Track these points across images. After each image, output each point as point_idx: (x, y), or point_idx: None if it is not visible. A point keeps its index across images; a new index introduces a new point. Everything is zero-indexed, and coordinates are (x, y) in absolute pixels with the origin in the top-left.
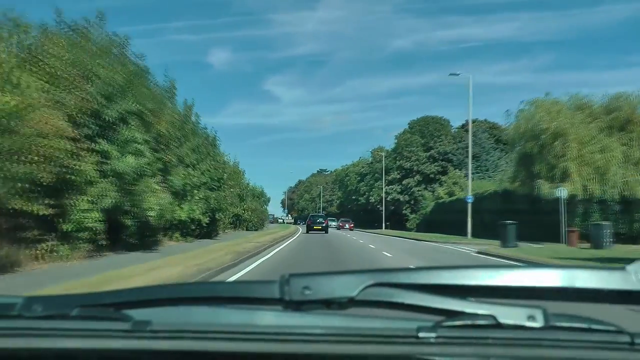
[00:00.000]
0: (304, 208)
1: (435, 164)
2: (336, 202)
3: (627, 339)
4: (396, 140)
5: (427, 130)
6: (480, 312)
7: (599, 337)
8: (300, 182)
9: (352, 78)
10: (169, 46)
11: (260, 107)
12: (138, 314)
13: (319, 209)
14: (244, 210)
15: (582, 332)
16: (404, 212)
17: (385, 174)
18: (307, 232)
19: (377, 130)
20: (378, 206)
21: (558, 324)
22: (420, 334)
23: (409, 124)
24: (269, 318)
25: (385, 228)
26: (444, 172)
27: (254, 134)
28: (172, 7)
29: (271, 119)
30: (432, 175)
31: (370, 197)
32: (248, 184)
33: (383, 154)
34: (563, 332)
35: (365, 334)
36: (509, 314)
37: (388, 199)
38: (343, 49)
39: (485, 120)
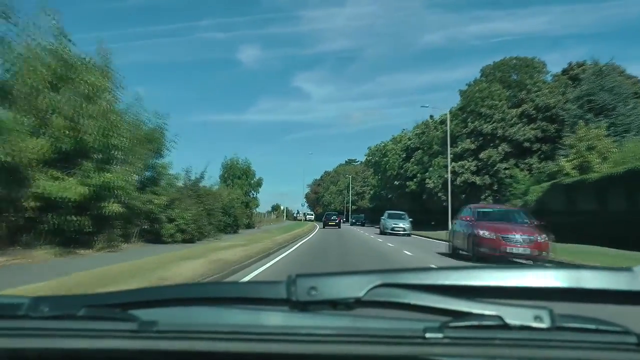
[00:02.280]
0: (330, 202)
1: (532, 125)
2: (369, 193)
3: (633, 339)
4: (462, 97)
5: (510, 78)
6: (486, 312)
7: (606, 338)
8: (326, 173)
9: (382, 74)
10: (198, 44)
11: (291, 104)
12: (145, 314)
13: (347, 202)
14: (103, 185)
15: (588, 332)
16: (482, 202)
17: (450, 145)
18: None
19: (408, 126)
20: (440, 194)
21: (565, 324)
22: (427, 335)
23: (481, 70)
24: (275, 318)
25: None
26: (547, 139)
27: (285, 131)
28: (201, 6)
29: (301, 116)
30: (526, 144)
31: (426, 182)
32: (111, 99)
33: (447, 112)
34: (570, 333)
35: (371, 335)
36: (516, 315)
37: (457, 182)
38: (373, 45)
39: (595, 62)
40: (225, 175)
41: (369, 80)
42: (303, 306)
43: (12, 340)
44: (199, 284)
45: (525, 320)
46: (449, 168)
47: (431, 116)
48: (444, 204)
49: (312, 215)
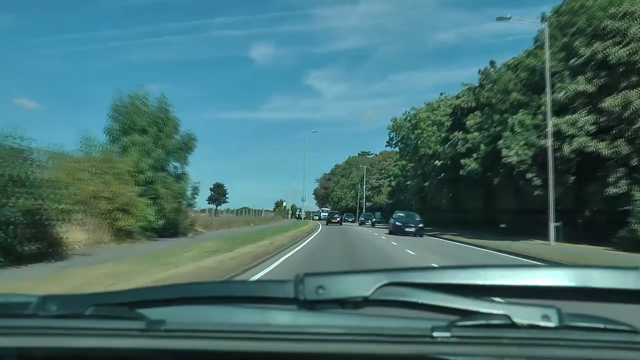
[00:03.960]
0: (341, 198)
1: None
2: (388, 185)
3: None
4: (551, 21)
5: None
6: (494, 311)
7: (614, 337)
8: (336, 166)
9: (395, 72)
10: (212, 42)
11: (303, 102)
12: (152, 313)
13: (361, 198)
14: None
15: (596, 332)
16: (614, 188)
17: (539, 93)
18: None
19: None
20: (529, 175)
21: (572, 323)
22: (435, 334)
23: None
24: (283, 317)
25: (557, 239)
26: None
27: (296, 129)
28: (215, 3)
29: (313, 114)
30: None
31: (503, 154)
32: None
33: (544, 23)
34: (577, 332)
35: (379, 334)
36: (524, 314)
37: (564, 151)
38: (386, 43)
39: None
40: (117, 128)
41: (382, 78)
42: (311, 305)
43: (20, 339)
44: (206, 282)
45: (533, 319)
46: (550, 127)
47: (492, 62)
48: (537, 192)
49: (326, 212)
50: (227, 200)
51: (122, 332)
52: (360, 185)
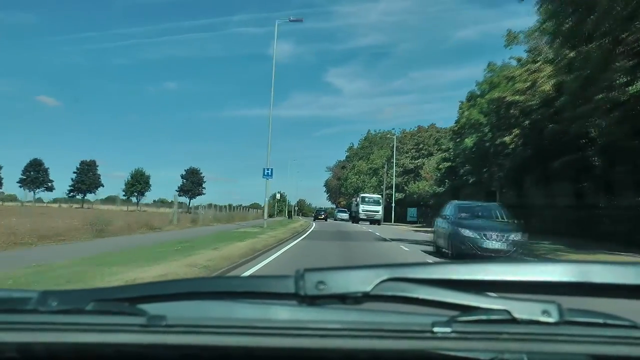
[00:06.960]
0: (358, 188)
1: None
2: (441, 163)
3: None
4: None
5: None
6: (495, 307)
7: (614, 332)
8: (350, 148)
9: (415, 69)
10: (231, 39)
11: (322, 99)
12: (153, 308)
13: (387, 186)
14: None
15: (596, 327)
16: None
17: None
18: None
19: (440, 122)
20: None
21: (573, 319)
22: (435, 329)
23: None
24: (284, 313)
25: None
26: None
27: (315, 126)
28: (235, 1)
29: (332, 111)
30: None
31: None
32: None
33: None
34: (578, 327)
35: (380, 329)
36: (524, 309)
37: None
38: (406, 40)
39: None
40: None
41: (402, 75)
42: (311, 300)
43: (20, 334)
44: (207, 278)
45: (533, 314)
46: None
47: None
48: None
49: (371, 200)
50: (204, 191)
51: (123, 328)
52: (388, 167)
